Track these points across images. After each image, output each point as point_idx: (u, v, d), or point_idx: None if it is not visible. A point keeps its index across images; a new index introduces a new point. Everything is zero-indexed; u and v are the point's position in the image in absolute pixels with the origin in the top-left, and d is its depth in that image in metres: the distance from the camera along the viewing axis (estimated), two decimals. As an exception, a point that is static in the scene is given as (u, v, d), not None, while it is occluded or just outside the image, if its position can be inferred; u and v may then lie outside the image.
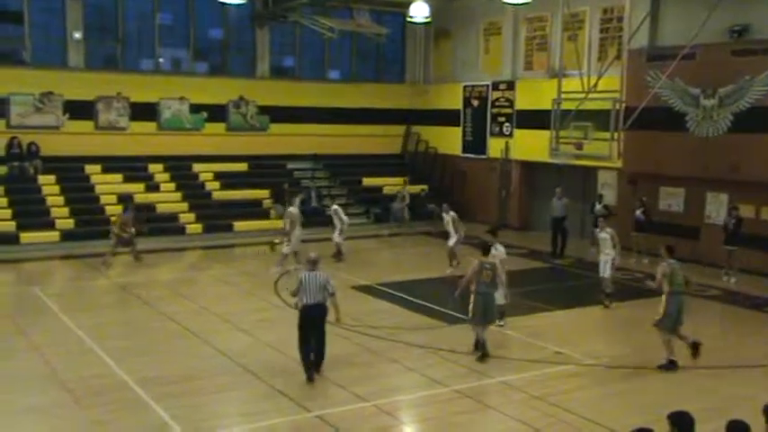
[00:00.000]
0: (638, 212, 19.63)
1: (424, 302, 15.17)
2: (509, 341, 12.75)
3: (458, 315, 14.18)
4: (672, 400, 9.12)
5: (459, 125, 27.27)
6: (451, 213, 18.28)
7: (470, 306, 11.78)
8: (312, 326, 10.58)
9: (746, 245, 17.61)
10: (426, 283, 17.25)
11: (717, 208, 19.51)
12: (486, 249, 12.25)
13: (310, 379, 10.44)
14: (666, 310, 11.40)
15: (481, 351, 11.68)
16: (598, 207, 20.19)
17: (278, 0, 25.13)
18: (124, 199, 20.15)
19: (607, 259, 15.12)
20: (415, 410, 10.11)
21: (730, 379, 11.23)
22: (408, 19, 25.51)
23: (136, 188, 23.22)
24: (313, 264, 10.72)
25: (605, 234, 15.25)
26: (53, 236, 20.72)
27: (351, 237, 22.94)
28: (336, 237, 19.33)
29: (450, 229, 18.13)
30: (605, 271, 15.14)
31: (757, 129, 17.94)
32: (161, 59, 25.84)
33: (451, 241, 18.11)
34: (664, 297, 11.50)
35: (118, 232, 18.47)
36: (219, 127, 25.92)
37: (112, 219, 19.52)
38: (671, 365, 11.33)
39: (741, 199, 18.54)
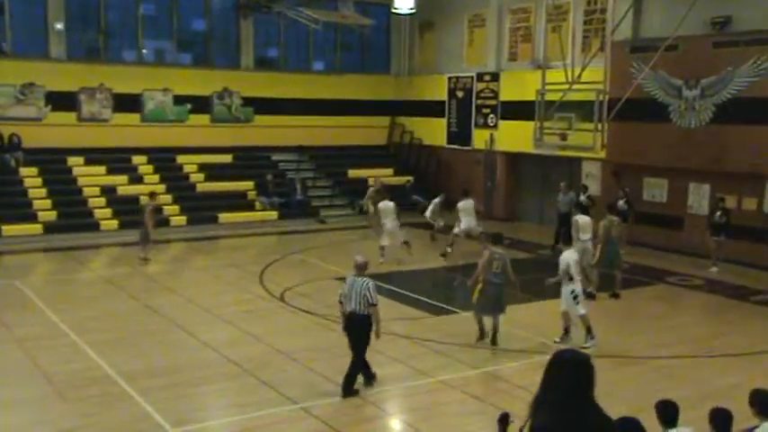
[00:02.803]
0: (620, 203, 19.72)
1: (408, 293, 15.20)
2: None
3: (444, 306, 14.26)
4: (657, 389, 9.21)
5: (443, 116, 27.29)
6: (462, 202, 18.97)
7: (475, 295, 11.87)
8: (350, 335, 9.81)
9: (729, 235, 17.73)
10: (411, 274, 17.27)
11: (699, 199, 19.66)
12: (497, 239, 12.36)
13: (368, 381, 9.96)
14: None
15: (491, 339, 11.88)
16: (582, 198, 20.26)
17: (261, -10, 25.05)
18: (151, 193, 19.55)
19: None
20: (401, 401, 10.15)
21: (715, 368, 11.34)
22: (393, 10, 25.49)
23: (119, 180, 23.11)
24: (359, 269, 9.89)
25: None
26: (35, 228, 20.57)
27: (336, 228, 23.00)
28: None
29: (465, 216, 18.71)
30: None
31: (739, 120, 18.09)
32: (144, 50, 25.68)
33: (456, 229, 18.78)
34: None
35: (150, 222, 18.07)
36: (203, 118, 25.79)
37: (147, 202, 18.84)
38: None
39: (723, 189, 18.69)
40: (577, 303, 12.00)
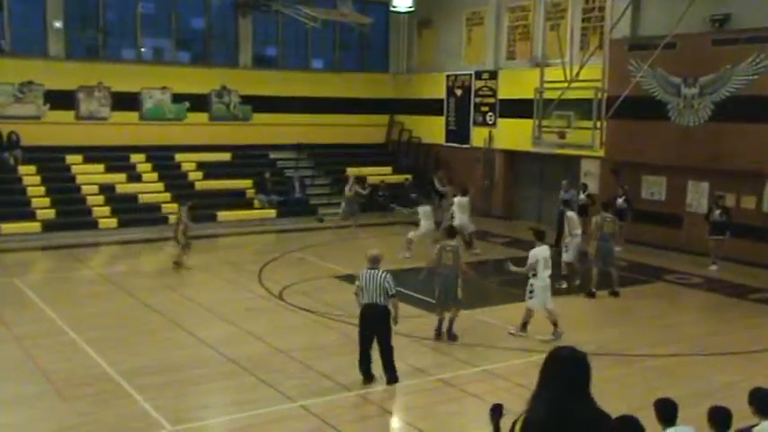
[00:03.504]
0: (619, 201, 19.73)
1: (407, 291, 15.15)
2: (493, 330, 12.81)
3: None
4: (656, 387, 9.23)
5: (442, 115, 27.28)
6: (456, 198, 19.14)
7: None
8: (371, 327, 10.05)
9: (733, 233, 17.72)
10: (410, 273, 17.22)
11: (698, 197, 19.67)
12: (450, 233, 12.54)
13: (367, 380, 10.10)
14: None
15: (439, 333, 12.07)
16: (581, 196, 20.26)
17: (260, -11, 25.05)
18: (183, 202, 18.33)
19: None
20: (399, 399, 10.14)
21: (714, 366, 11.34)
22: (391, 8, 25.48)
23: (118, 178, 23.10)
24: (373, 262, 10.17)
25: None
26: (34, 226, 20.54)
27: (334, 226, 22.97)
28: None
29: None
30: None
31: (737, 118, 18.08)
32: (143, 49, 25.65)
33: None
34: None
35: (180, 237, 17.12)
36: (202, 117, 25.76)
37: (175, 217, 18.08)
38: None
39: (722, 188, 18.70)
40: (530, 298, 12.30)
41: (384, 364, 10.14)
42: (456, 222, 18.60)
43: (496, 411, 4.41)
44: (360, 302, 10.15)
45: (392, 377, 10.14)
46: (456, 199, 19.25)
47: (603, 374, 10.72)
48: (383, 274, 10.03)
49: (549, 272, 12.35)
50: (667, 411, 6.06)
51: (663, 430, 6.03)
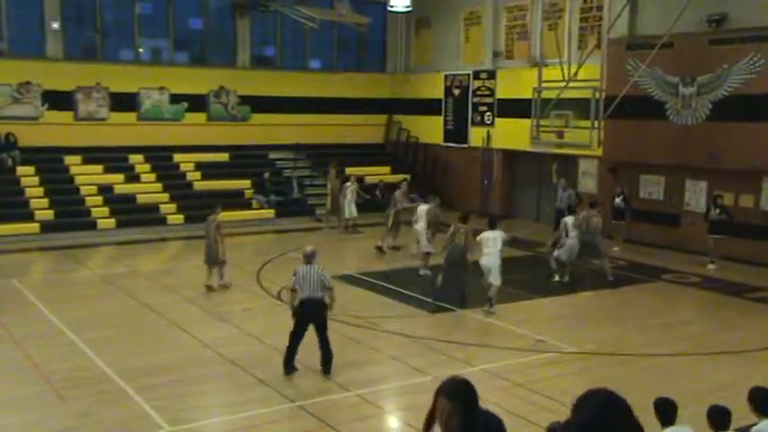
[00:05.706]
0: (617, 200, 19.75)
1: (405, 291, 15.20)
2: (491, 329, 12.83)
3: (439, 303, 14.25)
4: (655, 387, 9.22)
5: (440, 114, 27.30)
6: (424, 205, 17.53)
7: None
8: (310, 320, 10.32)
9: (728, 232, 17.75)
10: (408, 273, 17.25)
11: (696, 196, 19.69)
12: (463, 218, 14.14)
13: (288, 372, 10.34)
14: None
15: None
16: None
17: (258, -11, 25.06)
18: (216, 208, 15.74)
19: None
20: (398, 399, 10.15)
21: (712, 365, 11.35)
22: (389, 8, 25.49)
23: (116, 179, 23.09)
24: (309, 258, 10.51)
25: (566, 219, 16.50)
26: (32, 228, 20.55)
27: (333, 226, 22.97)
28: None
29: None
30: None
31: (735, 117, 18.10)
32: (141, 49, 25.64)
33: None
34: None
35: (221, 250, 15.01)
36: (200, 117, 25.77)
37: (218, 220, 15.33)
38: None
39: (720, 187, 18.72)
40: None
41: (325, 357, 10.38)
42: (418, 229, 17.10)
43: None
44: (296, 297, 10.40)
45: (329, 369, 10.41)
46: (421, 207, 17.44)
47: (601, 374, 10.74)
48: (319, 269, 10.39)
49: (488, 250, 13.50)
50: (667, 411, 6.07)
51: (662, 430, 6.04)
